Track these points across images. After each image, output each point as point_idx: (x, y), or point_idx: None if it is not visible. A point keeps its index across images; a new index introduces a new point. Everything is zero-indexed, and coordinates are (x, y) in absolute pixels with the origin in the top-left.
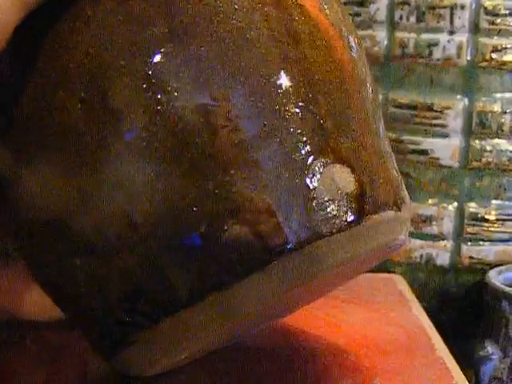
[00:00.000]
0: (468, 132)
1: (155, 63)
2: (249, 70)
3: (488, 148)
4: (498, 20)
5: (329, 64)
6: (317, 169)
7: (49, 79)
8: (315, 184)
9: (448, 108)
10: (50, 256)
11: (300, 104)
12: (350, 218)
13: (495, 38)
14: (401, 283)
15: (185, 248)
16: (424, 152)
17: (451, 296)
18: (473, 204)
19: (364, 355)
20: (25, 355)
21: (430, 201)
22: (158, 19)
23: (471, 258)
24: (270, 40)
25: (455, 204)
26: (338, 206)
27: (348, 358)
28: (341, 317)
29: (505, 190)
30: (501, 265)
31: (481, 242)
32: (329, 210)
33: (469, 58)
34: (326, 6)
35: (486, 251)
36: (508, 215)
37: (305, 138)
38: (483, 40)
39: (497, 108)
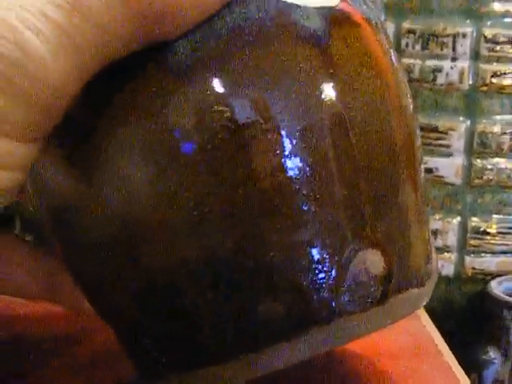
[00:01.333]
0: (470, 151)
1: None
2: (293, 158)
3: (489, 166)
4: (498, 47)
5: (378, 149)
6: (350, 253)
7: (104, 152)
8: (346, 268)
9: (451, 129)
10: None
11: (342, 192)
12: (375, 298)
13: (495, 64)
14: None
15: (222, 311)
16: (429, 170)
17: (456, 304)
18: (475, 218)
19: (377, 360)
20: (59, 373)
21: (435, 216)
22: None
23: (474, 268)
24: (319, 130)
25: (459, 218)
26: (365, 287)
27: (362, 363)
28: None
29: (505, 205)
30: (501, 275)
31: (483, 254)
32: (356, 291)
33: (470, 83)
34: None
35: (488, 262)
36: (508, 229)
37: (342, 224)
38: (484, 66)
39: (497, 129)
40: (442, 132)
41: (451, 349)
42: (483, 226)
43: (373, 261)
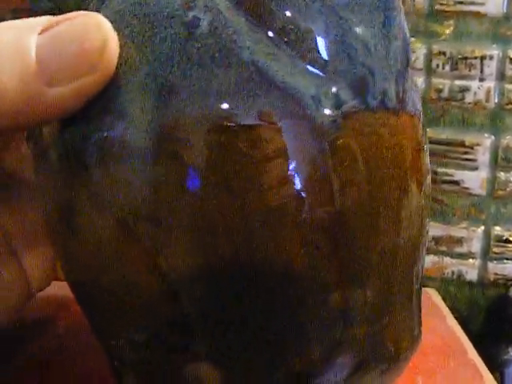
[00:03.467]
0: (494, 165)
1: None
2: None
3: None
4: None
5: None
6: (181, 363)
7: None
8: (179, 375)
9: (477, 145)
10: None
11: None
12: None
13: None
14: (436, 296)
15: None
16: (456, 182)
17: (479, 307)
18: (498, 228)
19: None
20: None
21: (461, 224)
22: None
23: (496, 274)
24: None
25: (483, 227)
26: None
27: None
28: None
29: None
30: None
31: (505, 261)
32: None
33: (496, 102)
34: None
35: (509, 268)
36: None
37: (170, 337)
38: (508, 86)
39: None
40: (468, 147)
41: (475, 348)
42: (506, 235)
43: (206, 373)
